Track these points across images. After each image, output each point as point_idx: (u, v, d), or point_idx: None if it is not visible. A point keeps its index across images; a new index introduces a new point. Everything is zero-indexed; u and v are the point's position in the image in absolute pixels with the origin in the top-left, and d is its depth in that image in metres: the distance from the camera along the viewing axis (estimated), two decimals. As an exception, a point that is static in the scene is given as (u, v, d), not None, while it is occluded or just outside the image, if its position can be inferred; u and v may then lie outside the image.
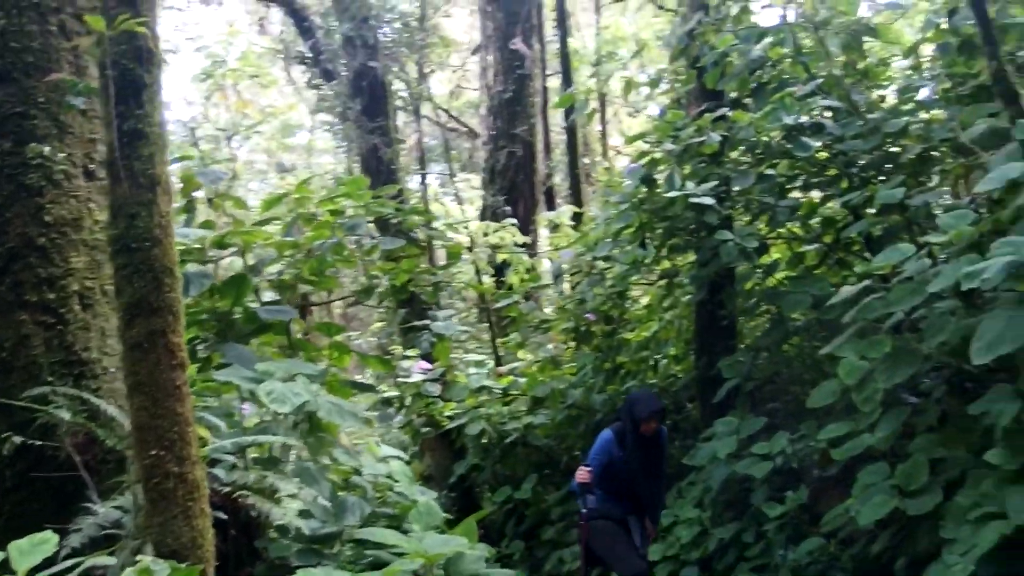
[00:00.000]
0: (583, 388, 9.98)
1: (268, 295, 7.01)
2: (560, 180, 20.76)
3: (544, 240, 17.96)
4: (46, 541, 3.56)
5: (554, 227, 16.14)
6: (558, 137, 21.62)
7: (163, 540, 3.97)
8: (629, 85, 9.77)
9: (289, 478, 5.05)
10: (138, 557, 3.56)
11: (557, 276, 10.46)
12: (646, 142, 8.35)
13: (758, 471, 7.48)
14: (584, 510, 7.48)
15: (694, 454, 8.06)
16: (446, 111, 19.08)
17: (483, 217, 16.20)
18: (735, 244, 7.68)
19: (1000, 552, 5.11)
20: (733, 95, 8.93)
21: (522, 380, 10.96)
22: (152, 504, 4.00)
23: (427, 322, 8.97)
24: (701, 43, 8.73)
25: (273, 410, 5.34)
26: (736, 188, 8.25)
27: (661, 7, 17.18)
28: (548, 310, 12.06)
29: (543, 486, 10.65)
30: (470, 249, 10.92)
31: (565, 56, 15.95)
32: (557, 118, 21.49)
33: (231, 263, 7.00)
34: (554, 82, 21.89)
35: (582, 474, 7.33)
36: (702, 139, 7.92)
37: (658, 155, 8.12)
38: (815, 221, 8.94)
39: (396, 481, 6.12)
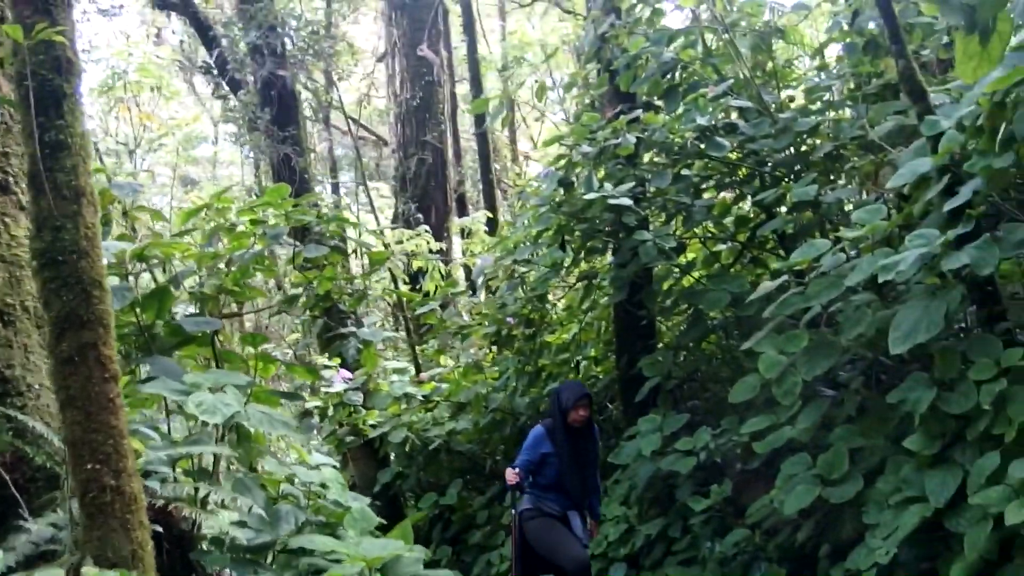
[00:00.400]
0: (506, 392, 10.01)
1: (187, 308, 6.92)
2: (471, 187, 20.81)
3: (457, 246, 18.00)
4: (-12, 557, 3.49)
5: (466, 233, 16.23)
6: (467, 144, 21.68)
7: (103, 554, 3.92)
8: (542, 89, 9.85)
9: (223, 489, 5.00)
10: (83, 570, 3.51)
11: (479, 281, 10.47)
12: (563, 145, 8.40)
13: (682, 467, 7.59)
14: (516, 511, 7.18)
15: (618, 452, 8.13)
16: (354, 120, 18.96)
17: (395, 225, 16.16)
18: (653, 244, 7.80)
19: (921, 534, 5.29)
20: (645, 97, 9.07)
21: (444, 386, 10.95)
22: (90, 518, 3.95)
23: (352, 329, 8.92)
24: (613, 46, 8.84)
25: (202, 422, 5.29)
26: (652, 189, 8.37)
27: (568, 11, 17.31)
28: (465, 316, 12.07)
29: (468, 491, 10.67)
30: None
31: (474, 62, 16.03)
32: (466, 124, 21.58)
33: (146, 278, 6.88)
34: (462, 88, 21.97)
35: (511, 476, 6.99)
36: (618, 141, 8.01)
37: (575, 158, 8.19)
38: (728, 220, 9.13)
39: (328, 488, 6.09)
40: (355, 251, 7.84)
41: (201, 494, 4.97)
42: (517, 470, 7.04)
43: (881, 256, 5.69)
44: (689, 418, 8.06)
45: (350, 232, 7.55)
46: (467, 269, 15.41)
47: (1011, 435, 4.87)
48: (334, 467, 6.35)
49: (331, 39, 14.47)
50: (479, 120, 16.28)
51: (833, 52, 9.25)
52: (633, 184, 7.93)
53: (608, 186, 7.80)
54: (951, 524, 5.06)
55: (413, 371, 11.44)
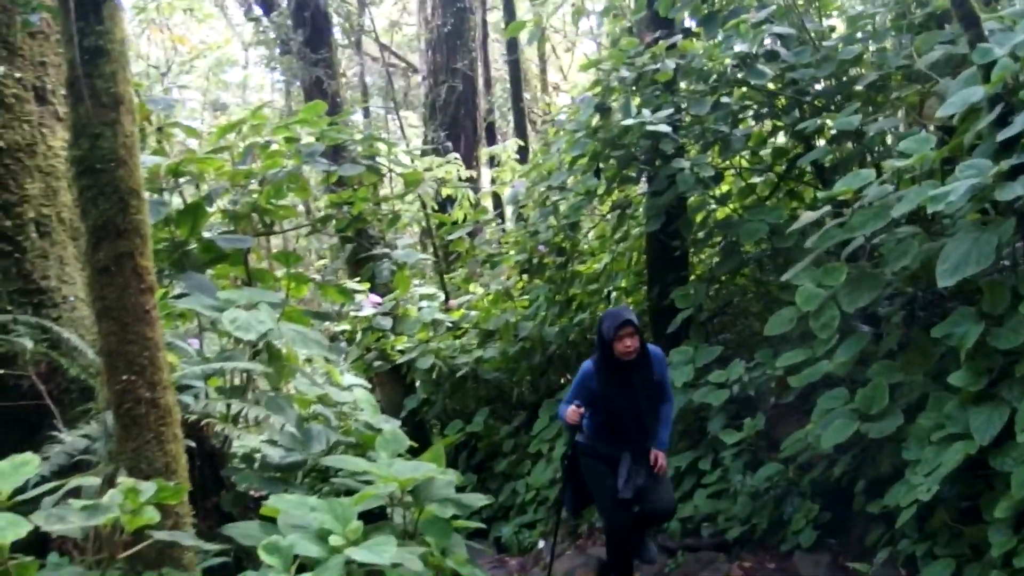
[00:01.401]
0: (535, 321, 9.94)
1: (216, 227, 6.85)
2: (499, 117, 20.61)
3: (486, 175, 17.86)
4: (27, 462, 3.45)
5: (495, 162, 16.08)
6: (496, 73, 21.43)
7: (136, 465, 3.88)
8: (578, 12, 9.65)
9: (257, 406, 4.96)
10: (118, 480, 3.47)
11: (512, 207, 10.34)
12: (600, 70, 8.24)
13: (715, 399, 7.55)
14: (571, 444, 6.55)
15: (650, 384, 8.06)
16: (384, 46, 18.77)
17: (424, 153, 16.04)
18: (691, 172, 7.67)
19: (963, 472, 5.21)
20: (684, 23, 8.89)
21: (473, 314, 10.90)
22: (124, 430, 3.91)
23: (386, 251, 8.83)
24: (652, -29, 8.64)
25: (236, 338, 5.24)
26: (688, 117, 8.22)
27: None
28: (494, 244, 11.98)
29: (494, 419, 10.66)
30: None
31: (507, -10, 15.76)
32: (495, 54, 21.31)
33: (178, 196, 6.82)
34: (493, 16, 21.68)
35: (572, 415, 6.17)
36: (656, 67, 7.86)
37: (612, 83, 8.03)
38: (765, 152, 8.99)
39: (361, 410, 6.05)
40: (389, 172, 7.69)
41: (234, 411, 4.93)
42: (580, 407, 6.22)
43: (929, 187, 5.55)
44: (722, 351, 8.00)
45: (383, 153, 7.40)
46: (496, 197, 15.30)
47: (1061, 372, 4.76)
48: (365, 388, 6.31)
49: (364, -39, 14.26)
50: (511, 47, 16.08)
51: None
52: (671, 111, 7.78)
53: (646, 112, 7.64)
54: (996, 463, 4.96)
55: (442, 297, 11.38)
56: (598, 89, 8.21)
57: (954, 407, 5.35)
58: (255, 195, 6.52)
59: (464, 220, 11.61)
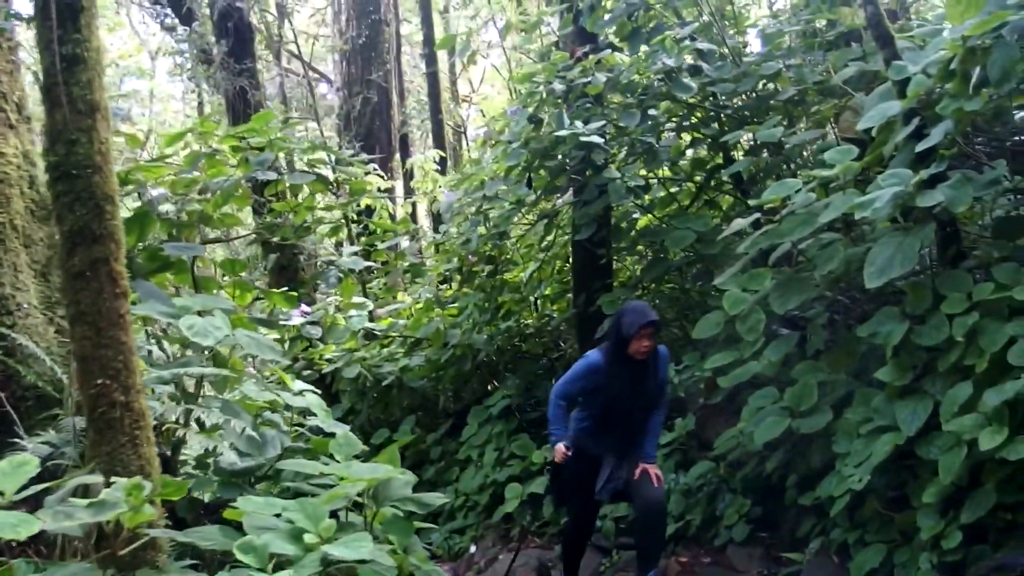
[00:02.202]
0: (464, 328, 10.08)
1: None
2: (415, 127, 20.75)
3: (400, 186, 17.99)
4: (27, 463, 3.50)
5: (409, 174, 16.22)
6: (410, 84, 21.58)
7: (111, 468, 3.95)
8: (508, 27, 9.85)
9: (214, 411, 5.04)
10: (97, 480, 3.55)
11: (446, 216, 10.45)
12: (533, 82, 8.45)
13: (645, 401, 7.75)
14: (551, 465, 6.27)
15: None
16: (297, 57, 18.77)
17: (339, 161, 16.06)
18: (622, 182, 7.92)
19: (891, 462, 5.52)
20: (609, 38, 9.16)
21: (401, 323, 10.99)
22: (98, 433, 3.97)
23: (333, 257, 8.89)
24: (579, -14, 8.90)
25: (187, 344, 5.31)
26: (612, 130, 8.48)
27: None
28: (412, 257, 12.09)
29: (421, 427, 10.75)
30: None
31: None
32: (407, 65, 21.43)
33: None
34: (407, 28, 21.81)
35: (560, 452, 6.07)
36: (588, 80, 8.10)
37: (544, 95, 8.26)
38: (684, 163, 9.32)
39: (313, 414, 6.14)
40: (335, 181, 7.79)
41: (193, 416, 5.00)
42: (566, 448, 6.07)
43: (853, 195, 5.87)
44: (650, 355, 8.21)
45: (328, 163, 7.49)
46: (413, 207, 15.41)
47: (982, 366, 5.07)
48: (316, 393, 6.39)
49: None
50: (430, 61, 16.24)
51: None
52: (602, 123, 8.02)
53: (579, 124, 7.87)
54: (923, 452, 5.27)
55: (371, 306, 11.46)
56: (531, 101, 8.42)
57: (881, 401, 5.66)
58: (198, 204, 6.57)
59: (383, 231, 11.70)
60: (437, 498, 5.19)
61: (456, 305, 10.44)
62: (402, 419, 10.83)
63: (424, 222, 18.65)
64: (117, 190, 4.01)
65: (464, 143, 20.91)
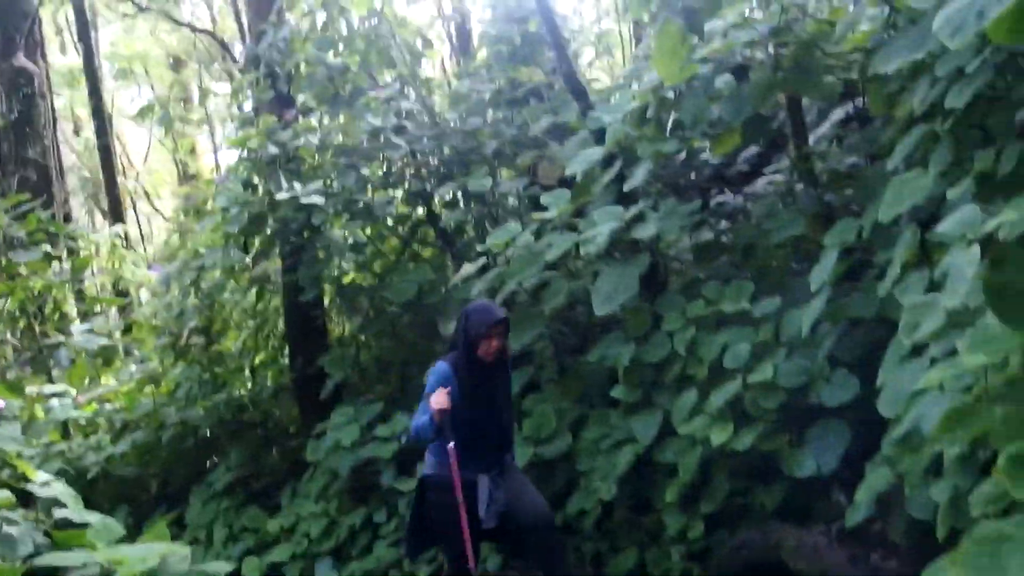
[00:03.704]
0: (181, 405, 9.82)
1: None
2: (81, 202, 20.01)
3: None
4: None
5: (76, 251, 15.64)
6: (68, 159, 20.77)
7: None
8: (205, 93, 9.91)
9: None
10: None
11: (166, 288, 10.11)
12: (247, 147, 8.54)
13: (385, 452, 7.88)
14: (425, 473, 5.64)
15: (315, 448, 8.31)
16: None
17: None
18: (344, 241, 8.21)
19: (634, 472, 6.10)
20: (303, 102, 9.46)
21: (108, 407, 10.51)
22: None
23: (60, 339, 8.39)
24: (276, 53, 9.12)
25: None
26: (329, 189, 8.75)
27: (180, 22, 17.07)
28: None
29: (132, 517, 10.20)
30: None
31: (92, 71, 15.52)
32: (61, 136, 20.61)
33: None
34: (60, 101, 20.99)
35: (439, 400, 5.20)
36: (299, 143, 8.35)
37: (258, 159, 8.41)
38: (389, 218, 9.70)
39: (64, 505, 5.88)
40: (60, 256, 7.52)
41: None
42: (447, 387, 5.28)
43: (571, 236, 6.50)
44: (382, 407, 8.40)
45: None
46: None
47: (703, 373, 5.75)
48: (66, 482, 6.11)
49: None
50: (100, 132, 15.82)
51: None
52: (318, 184, 8.26)
53: (297, 186, 8.08)
54: (661, 457, 5.88)
55: (73, 393, 10.89)
56: (243, 166, 8.53)
57: (617, 418, 6.27)
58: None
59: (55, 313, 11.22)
60: (221, 567, 5.19)
61: (173, 377, 10.11)
62: (113, 511, 10.32)
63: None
64: None
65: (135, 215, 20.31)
